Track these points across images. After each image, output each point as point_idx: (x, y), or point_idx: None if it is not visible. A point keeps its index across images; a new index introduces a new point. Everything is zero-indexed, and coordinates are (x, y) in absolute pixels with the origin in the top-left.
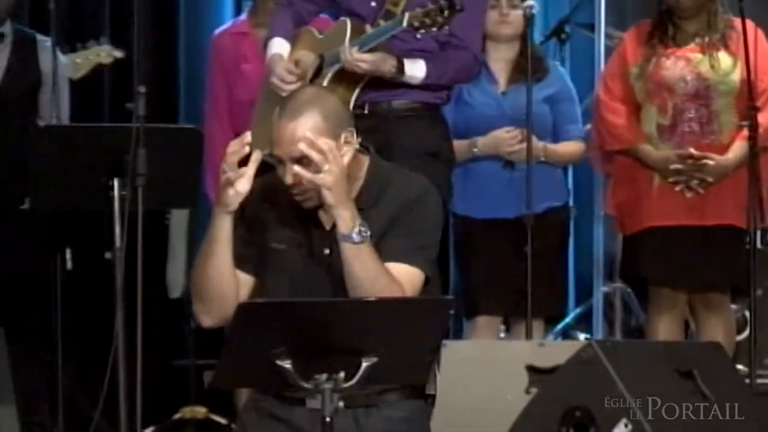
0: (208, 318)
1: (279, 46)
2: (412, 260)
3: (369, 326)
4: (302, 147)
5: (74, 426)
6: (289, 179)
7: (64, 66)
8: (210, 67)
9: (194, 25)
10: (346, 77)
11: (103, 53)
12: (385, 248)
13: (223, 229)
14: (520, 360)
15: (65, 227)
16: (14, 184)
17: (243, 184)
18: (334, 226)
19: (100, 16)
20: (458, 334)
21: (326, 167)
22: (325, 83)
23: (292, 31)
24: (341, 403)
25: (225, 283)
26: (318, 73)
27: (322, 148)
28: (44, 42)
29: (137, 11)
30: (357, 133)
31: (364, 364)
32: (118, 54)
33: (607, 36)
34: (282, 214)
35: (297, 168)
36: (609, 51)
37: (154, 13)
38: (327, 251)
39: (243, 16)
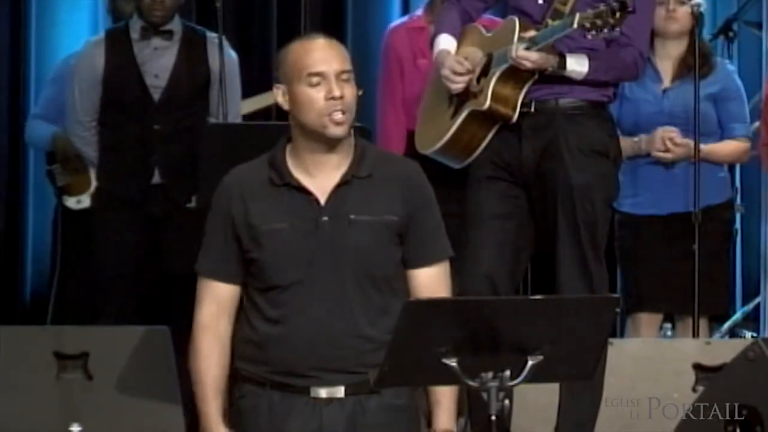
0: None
1: (446, 43)
2: (446, 252)
3: (535, 324)
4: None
5: None
6: (337, 92)
7: (235, 64)
8: (384, 61)
9: (362, 24)
10: (514, 77)
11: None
12: (420, 251)
13: None
14: (687, 358)
15: None
16: (182, 182)
17: None
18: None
19: (267, 15)
20: (621, 332)
21: None
22: (493, 82)
23: (459, 28)
24: (343, 389)
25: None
26: (486, 71)
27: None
28: (214, 39)
29: (305, 10)
30: (520, 130)
31: (530, 362)
32: None
33: None
34: (269, 198)
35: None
36: None
37: (321, 11)
38: (325, 218)
39: (419, 12)
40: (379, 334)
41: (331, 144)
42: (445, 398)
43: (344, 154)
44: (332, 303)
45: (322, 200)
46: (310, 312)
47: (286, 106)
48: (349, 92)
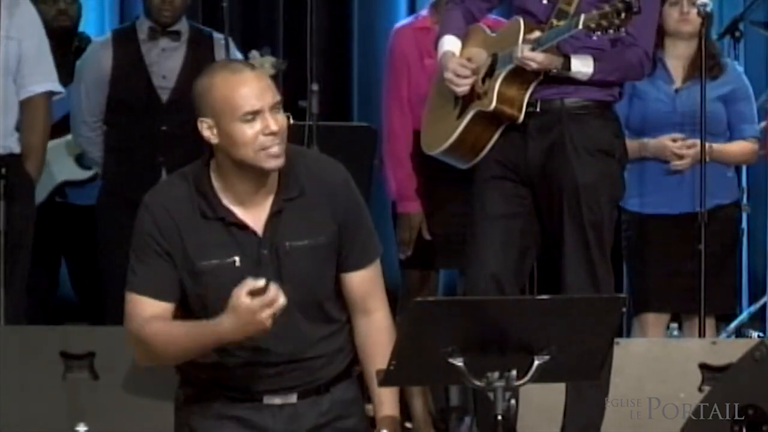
0: (146, 363)
1: (450, 44)
2: (376, 254)
3: (541, 324)
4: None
5: None
6: (275, 126)
7: None
8: (390, 61)
9: (368, 24)
10: (519, 78)
11: (267, 64)
12: (352, 257)
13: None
14: (694, 358)
15: None
16: None
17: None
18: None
19: (274, 15)
20: (628, 332)
21: None
22: (498, 83)
23: (463, 29)
24: (296, 396)
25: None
26: (491, 72)
27: None
28: (221, 40)
29: (311, 9)
30: (526, 130)
31: (537, 362)
32: (282, 66)
33: None
34: (204, 232)
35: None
36: None
37: (328, 11)
38: (265, 251)
39: (424, 12)
40: (329, 348)
41: (266, 173)
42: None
43: (274, 176)
44: (280, 331)
45: (259, 231)
46: (259, 341)
47: (214, 140)
48: (282, 123)
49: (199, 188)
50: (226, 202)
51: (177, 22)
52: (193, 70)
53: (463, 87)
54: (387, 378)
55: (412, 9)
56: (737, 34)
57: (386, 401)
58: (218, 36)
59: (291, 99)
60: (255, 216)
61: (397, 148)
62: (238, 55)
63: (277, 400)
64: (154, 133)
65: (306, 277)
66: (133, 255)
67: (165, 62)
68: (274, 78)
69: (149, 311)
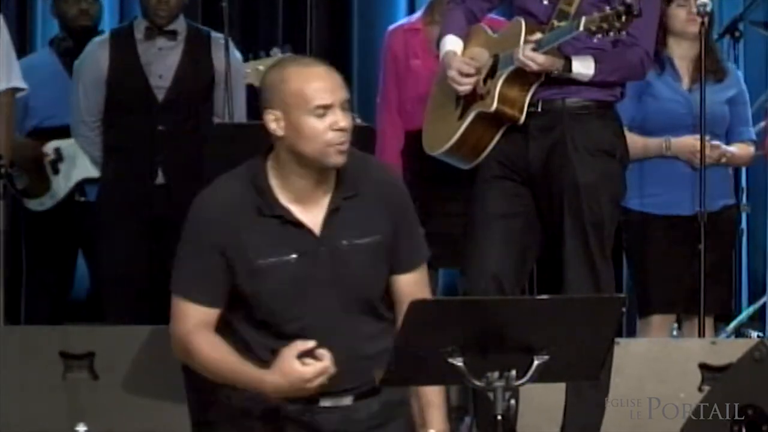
0: (185, 364)
1: (452, 44)
2: (426, 254)
3: (541, 324)
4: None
5: None
6: (344, 122)
7: (240, 64)
8: (383, 63)
9: (368, 24)
10: (521, 79)
11: None
12: (403, 259)
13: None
14: (693, 358)
15: None
16: (187, 182)
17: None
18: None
19: (274, 15)
20: (631, 333)
21: None
22: (499, 84)
23: (465, 29)
24: (350, 399)
25: None
26: (492, 73)
27: None
28: (219, 39)
29: (311, 10)
30: (527, 130)
31: (536, 362)
32: None
33: None
34: (262, 230)
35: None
36: None
37: (328, 11)
38: (323, 249)
39: (418, 14)
40: (380, 347)
41: (326, 170)
42: (436, 398)
43: (331, 175)
44: (332, 332)
45: (316, 229)
46: (317, 342)
47: (279, 133)
48: (350, 121)
49: (256, 185)
50: (283, 199)
51: (173, 22)
52: (190, 69)
53: (466, 86)
54: (387, 378)
55: (411, 9)
56: (737, 34)
57: (436, 412)
58: (216, 35)
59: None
60: (312, 214)
61: (387, 150)
62: (238, 55)
63: (331, 402)
64: (151, 133)
65: (362, 275)
66: (182, 256)
67: (162, 62)
68: None
69: (197, 317)
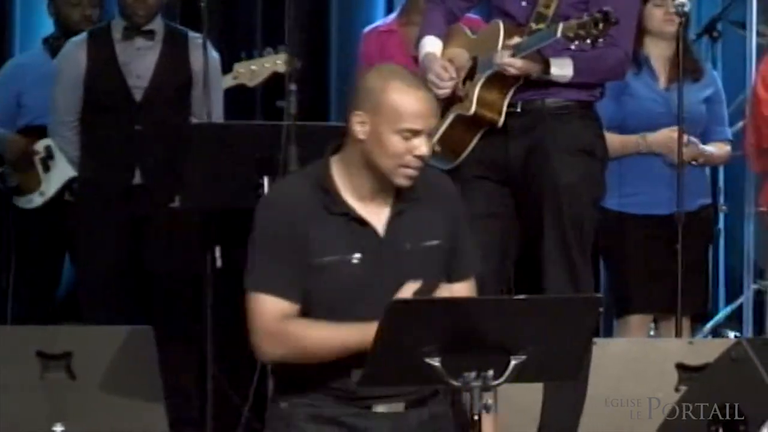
0: (275, 359)
1: (432, 45)
2: (478, 266)
3: (519, 324)
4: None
5: (224, 423)
6: (425, 151)
7: (218, 64)
8: (358, 64)
9: (346, 24)
10: (499, 82)
11: (280, 62)
12: (457, 268)
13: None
14: (670, 358)
15: (215, 225)
16: (164, 182)
17: None
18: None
19: (252, 15)
20: (608, 333)
21: None
22: (478, 87)
23: (444, 29)
24: (403, 405)
25: None
26: (471, 74)
27: None
28: (196, 39)
29: (289, 9)
30: (507, 130)
31: (513, 362)
32: (297, 65)
33: (759, 34)
34: (327, 227)
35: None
36: (761, 49)
37: (306, 12)
38: (387, 250)
39: (393, 15)
40: None
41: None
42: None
43: None
44: None
45: (380, 230)
46: None
47: (360, 136)
48: (430, 150)
49: (322, 184)
50: (348, 198)
51: (151, 22)
52: (168, 69)
53: (444, 90)
54: (365, 377)
55: (389, 10)
56: (715, 34)
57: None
58: (194, 35)
59: (269, 99)
60: (376, 215)
61: None
62: (215, 56)
63: (385, 408)
64: (129, 133)
65: (423, 279)
66: (259, 255)
67: (139, 62)
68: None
69: (284, 311)
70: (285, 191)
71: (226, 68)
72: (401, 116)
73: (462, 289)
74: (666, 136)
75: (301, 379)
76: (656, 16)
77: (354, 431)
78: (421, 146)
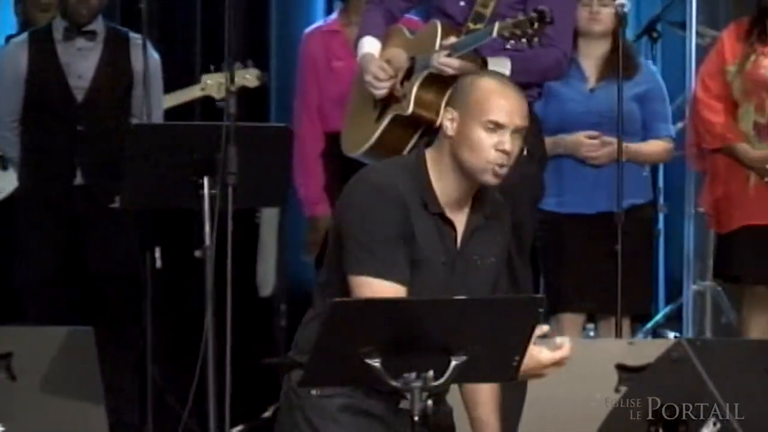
0: None
1: (370, 45)
2: (505, 287)
3: (459, 325)
4: None
5: (163, 425)
6: (509, 146)
7: (158, 65)
8: (300, 65)
9: (285, 25)
10: (437, 82)
11: (250, 76)
12: (499, 284)
13: None
14: (610, 359)
15: (155, 226)
16: (105, 182)
17: None
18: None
19: (192, 16)
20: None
21: None
22: (415, 88)
23: (383, 29)
24: (430, 402)
25: None
26: (410, 75)
27: None
28: (137, 40)
29: (229, 11)
30: None
31: (454, 363)
32: (265, 79)
33: (699, 34)
34: (426, 224)
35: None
36: (700, 49)
37: (245, 12)
38: (460, 258)
39: (334, 15)
40: None
41: (475, 184)
42: (492, 418)
43: (473, 192)
44: None
45: (459, 239)
46: None
47: (449, 132)
48: (516, 149)
49: (418, 178)
50: (440, 199)
51: (93, 22)
52: (109, 70)
53: (382, 90)
54: (305, 378)
55: (329, 12)
56: (655, 34)
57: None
58: (134, 36)
59: (209, 99)
60: (460, 222)
61: (305, 153)
62: (155, 56)
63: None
64: (70, 133)
65: (482, 293)
66: (367, 237)
67: (81, 62)
68: (262, 91)
69: (394, 295)
70: (391, 181)
71: (166, 66)
72: (485, 109)
73: None
74: (575, 140)
75: None
76: (582, 16)
77: (384, 424)
78: (505, 142)
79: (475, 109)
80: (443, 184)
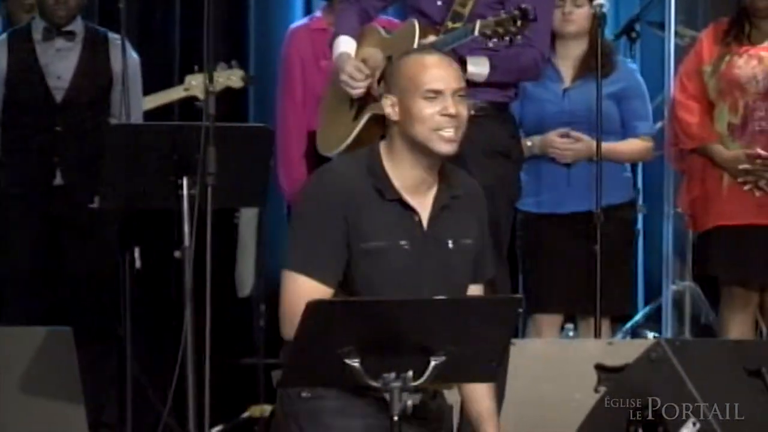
0: None
1: (346, 45)
2: (490, 274)
3: (438, 325)
4: None
5: (143, 425)
6: (452, 109)
7: (137, 65)
8: (286, 61)
9: (264, 25)
10: None
11: (235, 77)
12: (476, 269)
13: None
14: (589, 359)
15: (134, 226)
16: (84, 183)
17: None
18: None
19: (170, 16)
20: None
21: None
22: None
23: (358, 29)
24: (410, 402)
25: None
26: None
27: None
28: (116, 40)
29: (208, 10)
30: None
31: (433, 363)
32: (250, 80)
33: (678, 35)
34: (378, 212)
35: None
36: (679, 49)
37: (224, 11)
38: (429, 240)
39: (318, 13)
40: None
41: (434, 160)
42: (492, 417)
43: (436, 170)
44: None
45: (425, 222)
46: None
47: (394, 117)
48: (463, 111)
49: (372, 170)
50: (396, 184)
51: (72, 23)
52: (88, 70)
53: (358, 90)
54: (285, 379)
55: (308, 10)
56: (633, 34)
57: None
58: (113, 36)
59: (188, 99)
60: (422, 205)
61: (290, 150)
62: (135, 56)
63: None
64: (49, 134)
65: (458, 275)
66: (302, 233)
67: (60, 62)
68: (241, 91)
69: (317, 295)
70: (338, 172)
71: (145, 66)
72: (418, 82)
73: (476, 291)
74: (548, 140)
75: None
76: (556, 17)
77: (378, 425)
78: (448, 105)
79: (411, 86)
80: (399, 169)
